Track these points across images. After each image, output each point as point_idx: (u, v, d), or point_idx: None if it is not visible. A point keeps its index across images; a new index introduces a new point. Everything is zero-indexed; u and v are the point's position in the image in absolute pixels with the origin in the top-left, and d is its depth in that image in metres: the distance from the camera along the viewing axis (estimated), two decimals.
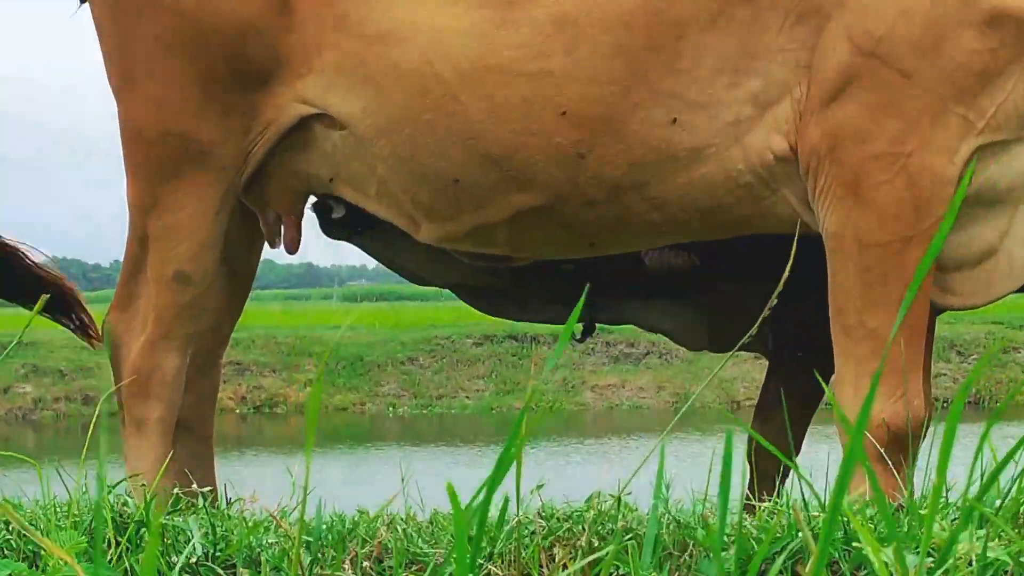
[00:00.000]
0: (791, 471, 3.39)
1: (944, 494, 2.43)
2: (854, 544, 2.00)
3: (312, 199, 4.50)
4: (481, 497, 1.20)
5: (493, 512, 2.58)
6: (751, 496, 4.37)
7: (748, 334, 2.14)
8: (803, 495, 2.29)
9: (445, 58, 3.86)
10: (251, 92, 4.12)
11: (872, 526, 2.00)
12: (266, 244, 4.53)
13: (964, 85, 3.55)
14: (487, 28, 3.84)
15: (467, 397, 25.12)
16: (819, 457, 3.65)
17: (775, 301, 2.14)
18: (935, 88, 3.56)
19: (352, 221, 4.57)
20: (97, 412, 2.46)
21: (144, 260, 4.26)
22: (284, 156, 4.22)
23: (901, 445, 3.61)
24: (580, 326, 5.26)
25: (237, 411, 24.23)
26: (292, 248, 4.41)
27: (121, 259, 4.40)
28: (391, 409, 24.81)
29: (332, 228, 4.67)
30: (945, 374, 23.80)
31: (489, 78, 3.84)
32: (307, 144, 4.18)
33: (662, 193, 3.85)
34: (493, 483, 1.17)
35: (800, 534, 2.03)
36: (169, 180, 4.18)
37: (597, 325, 5.28)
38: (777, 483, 4.77)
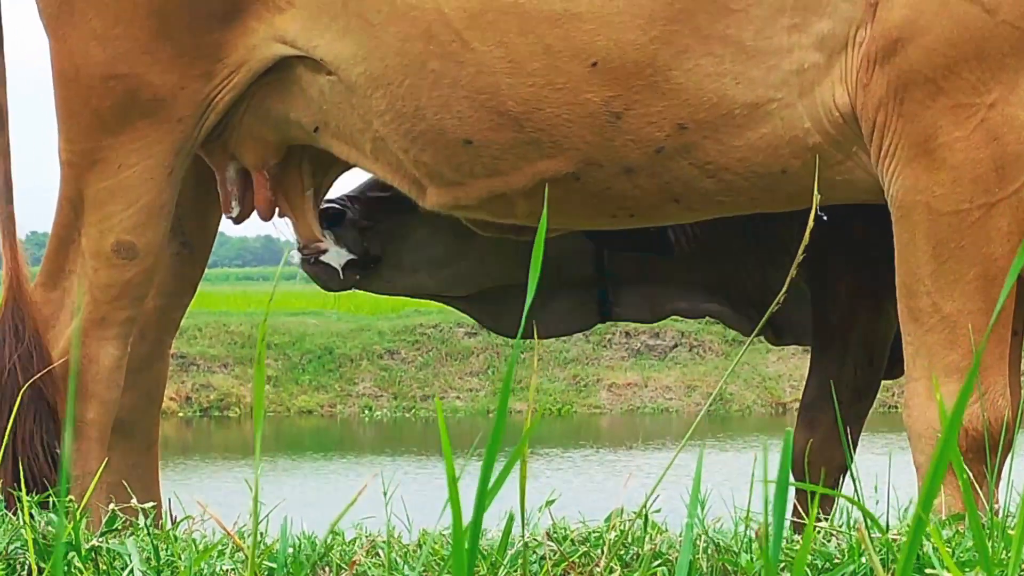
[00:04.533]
0: (848, 482, 3.41)
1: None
2: (927, 571, 2.02)
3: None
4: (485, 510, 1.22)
5: (495, 533, 2.61)
6: (802, 514, 4.39)
7: (760, 324, 2.16)
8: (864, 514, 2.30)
9: None
10: (217, 28, 4.12)
11: (950, 549, 2.03)
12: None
13: None
14: None
15: (458, 398, 25.11)
16: (872, 465, 3.67)
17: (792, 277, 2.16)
18: (1022, 24, 3.58)
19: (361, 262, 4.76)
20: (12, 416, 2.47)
21: (78, 228, 4.24)
22: (256, 99, 4.23)
23: (981, 454, 3.63)
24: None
25: (181, 414, 24.21)
26: (265, 213, 4.40)
27: (40, 229, 4.40)
28: (367, 412, 24.80)
29: (331, 279, 4.83)
30: None
31: (504, 21, 3.85)
32: (287, 86, 4.18)
33: (716, 158, 3.86)
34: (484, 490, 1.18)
35: (864, 558, 2.06)
36: (112, 133, 4.18)
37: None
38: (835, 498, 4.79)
